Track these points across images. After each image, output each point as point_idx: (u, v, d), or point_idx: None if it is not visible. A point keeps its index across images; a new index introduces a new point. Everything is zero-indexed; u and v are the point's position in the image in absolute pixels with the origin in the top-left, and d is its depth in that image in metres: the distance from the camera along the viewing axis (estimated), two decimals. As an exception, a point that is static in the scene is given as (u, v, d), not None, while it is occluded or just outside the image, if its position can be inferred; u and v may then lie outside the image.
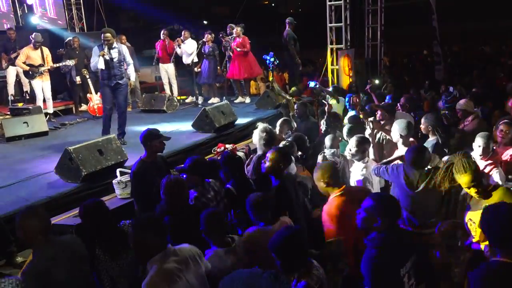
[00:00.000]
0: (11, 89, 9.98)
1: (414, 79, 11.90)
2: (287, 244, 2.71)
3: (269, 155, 3.95)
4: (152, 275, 2.50)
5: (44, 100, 9.15)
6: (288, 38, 10.47)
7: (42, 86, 8.98)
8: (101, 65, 6.73)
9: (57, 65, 9.29)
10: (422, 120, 4.91)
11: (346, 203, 3.28)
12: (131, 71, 7.29)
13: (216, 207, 3.91)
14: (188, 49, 10.26)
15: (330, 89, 8.72)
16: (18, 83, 10.13)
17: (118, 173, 5.27)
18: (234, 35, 10.02)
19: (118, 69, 6.88)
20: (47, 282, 2.69)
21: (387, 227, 2.63)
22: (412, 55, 16.70)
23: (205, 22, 18.59)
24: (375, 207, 2.66)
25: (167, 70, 10.70)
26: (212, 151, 6.68)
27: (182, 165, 4.49)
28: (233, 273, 2.27)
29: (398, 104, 6.56)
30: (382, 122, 5.62)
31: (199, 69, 10.39)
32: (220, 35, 10.31)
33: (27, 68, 8.76)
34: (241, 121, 8.28)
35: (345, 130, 5.23)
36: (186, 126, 7.94)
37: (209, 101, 10.31)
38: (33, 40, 8.83)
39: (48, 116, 9.05)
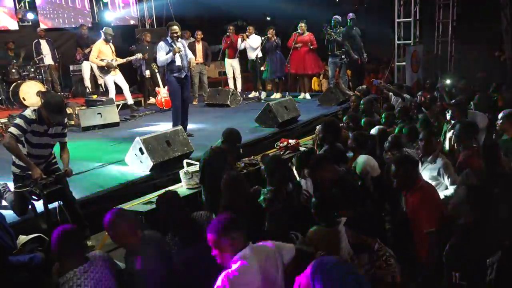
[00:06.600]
0: (87, 82, 10.57)
1: (487, 76, 11.24)
2: None
3: None
4: (232, 269, 2.52)
5: (120, 93, 9.35)
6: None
7: (115, 80, 9.06)
8: (179, 62, 6.83)
9: (129, 59, 9.44)
10: (500, 116, 4.69)
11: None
12: (190, 56, 7.18)
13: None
14: (253, 43, 10.36)
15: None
16: (93, 77, 10.71)
17: (185, 164, 5.44)
18: (299, 31, 10.00)
19: (186, 60, 6.96)
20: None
21: (477, 217, 2.63)
22: (484, 51, 15.76)
23: (268, 18, 18.58)
24: (468, 197, 2.70)
25: (233, 65, 10.87)
26: (275, 145, 6.71)
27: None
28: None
29: (472, 102, 6.26)
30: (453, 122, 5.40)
31: (264, 67, 10.44)
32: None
33: (103, 64, 8.79)
34: (304, 117, 8.26)
35: None
36: (249, 120, 8.03)
37: (272, 96, 10.36)
38: (103, 34, 8.91)
39: (119, 106, 9.38)
